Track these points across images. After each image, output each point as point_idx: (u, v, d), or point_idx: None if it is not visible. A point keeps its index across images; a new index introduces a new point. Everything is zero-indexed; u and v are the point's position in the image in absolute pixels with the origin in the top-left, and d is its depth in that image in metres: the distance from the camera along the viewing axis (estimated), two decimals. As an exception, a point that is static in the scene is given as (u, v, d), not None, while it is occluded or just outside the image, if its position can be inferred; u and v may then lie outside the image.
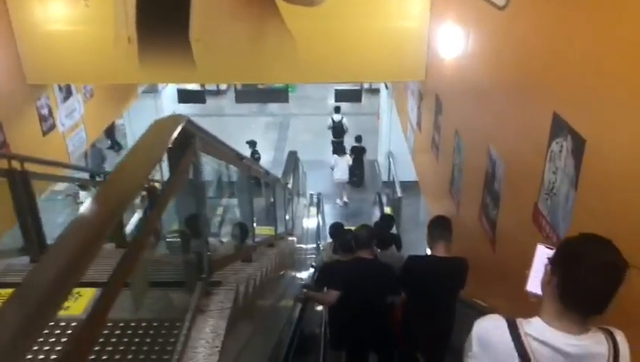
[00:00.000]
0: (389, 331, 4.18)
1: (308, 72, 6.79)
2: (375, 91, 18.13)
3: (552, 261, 1.67)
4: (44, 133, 7.32)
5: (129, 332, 2.21)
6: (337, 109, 14.20)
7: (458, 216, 5.09)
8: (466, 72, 4.93)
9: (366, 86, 18.70)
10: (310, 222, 10.32)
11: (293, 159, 9.79)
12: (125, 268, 1.44)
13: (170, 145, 1.81)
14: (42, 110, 7.27)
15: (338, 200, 12.91)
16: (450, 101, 5.51)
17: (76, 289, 2.22)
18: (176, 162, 1.87)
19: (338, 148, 13.27)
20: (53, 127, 7.52)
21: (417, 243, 9.24)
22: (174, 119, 1.95)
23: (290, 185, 7.95)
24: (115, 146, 15.46)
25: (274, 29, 6.55)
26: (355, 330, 4.26)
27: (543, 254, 1.80)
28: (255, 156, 12.17)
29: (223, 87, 19.42)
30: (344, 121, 14.03)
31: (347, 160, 12.69)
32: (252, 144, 12.52)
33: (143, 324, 2.26)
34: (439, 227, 3.77)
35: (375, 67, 6.76)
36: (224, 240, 6.13)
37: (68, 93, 8.00)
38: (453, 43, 5.29)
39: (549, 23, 3.01)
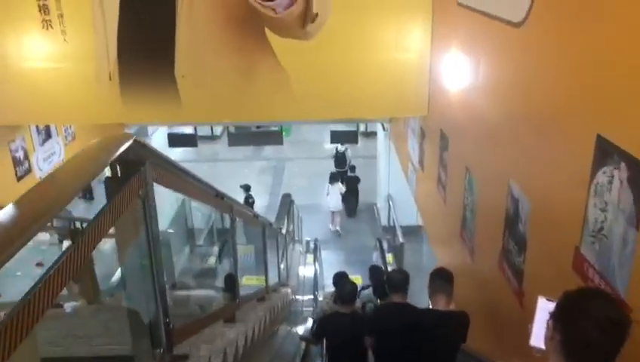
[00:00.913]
0: None
1: (303, 109, 6.35)
2: (371, 134, 17.87)
3: (554, 316, 1.65)
4: (19, 178, 6.79)
5: None
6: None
7: (472, 263, 4.52)
8: (476, 102, 4.47)
9: (362, 128, 18.43)
10: (307, 271, 9.68)
11: (287, 202, 9.23)
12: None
13: (106, 170, 1.28)
14: (16, 153, 6.76)
15: (330, 226, 13.07)
16: (458, 136, 5.03)
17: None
18: (113, 194, 1.34)
19: (333, 177, 13.26)
20: (28, 171, 6.99)
21: (420, 292, 8.60)
22: (117, 138, 1.43)
23: (284, 231, 7.38)
24: (87, 195, 14.57)
25: (266, 64, 6.14)
26: None
27: (544, 307, 1.79)
28: (249, 201, 11.65)
29: (217, 132, 19.08)
30: (348, 152, 14.44)
31: (339, 188, 12.81)
32: (246, 188, 12.02)
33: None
34: (440, 279, 3.69)
35: (374, 103, 6.33)
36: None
37: (47, 135, 7.52)
38: (459, 73, 4.86)
39: (581, 32, 2.54)
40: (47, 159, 7.51)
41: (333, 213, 13.01)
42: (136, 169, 1.43)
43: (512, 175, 3.52)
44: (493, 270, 3.87)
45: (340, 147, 14.48)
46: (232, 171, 16.53)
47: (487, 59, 4.16)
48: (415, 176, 7.47)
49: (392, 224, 12.45)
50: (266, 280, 4.87)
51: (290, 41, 6.02)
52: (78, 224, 7.93)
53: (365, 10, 5.96)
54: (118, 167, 1.40)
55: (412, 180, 7.78)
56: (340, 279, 6.20)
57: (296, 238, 10.56)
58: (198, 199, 2.51)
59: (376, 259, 9.93)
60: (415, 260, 11.18)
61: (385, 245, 10.75)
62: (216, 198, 2.67)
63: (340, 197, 12.75)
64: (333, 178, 13.22)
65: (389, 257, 10.23)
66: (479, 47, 4.34)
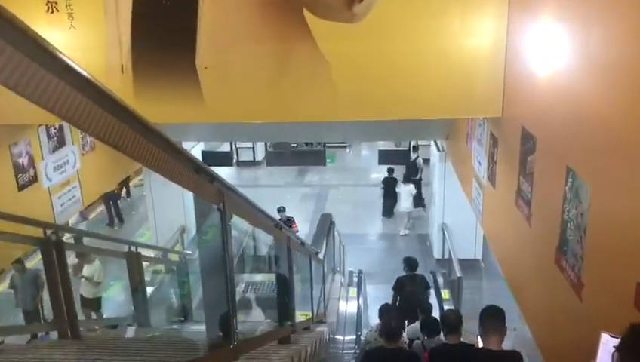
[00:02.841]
0: None
1: (347, 107, 5.25)
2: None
3: (619, 349, 1.62)
4: (21, 187, 5.94)
5: None
6: (414, 148, 14.62)
7: (580, 302, 3.23)
8: (585, 82, 3.27)
9: (412, 157, 17.37)
10: (349, 306, 8.40)
11: (326, 223, 8.02)
12: None
13: None
14: (19, 159, 5.92)
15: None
16: (553, 131, 3.79)
17: None
18: None
19: (406, 176, 13.41)
20: (33, 180, 6.14)
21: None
22: None
23: (321, 255, 6.20)
24: (116, 220, 13.62)
25: (304, 53, 5.12)
26: None
27: (608, 343, 1.75)
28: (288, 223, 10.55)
29: (259, 156, 18.26)
30: (419, 160, 14.19)
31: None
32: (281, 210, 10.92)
33: None
34: (492, 318, 3.58)
35: (434, 100, 5.18)
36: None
37: (60, 141, 6.70)
38: (554, 50, 3.68)
39: None
40: (59, 168, 6.67)
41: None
42: None
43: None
44: (626, 310, 2.58)
45: (412, 155, 14.45)
46: (272, 196, 15.63)
47: (603, 20, 2.98)
48: (482, 196, 6.21)
49: (446, 257, 11.11)
50: (292, 316, 3.69)
51: (334, 25, 5.01)
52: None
53: (424, -14, 4.89)
54: None
55: (477, 202, 6.51)
56: (386, 313, 5.57)
57: (338, 269, 9.29)
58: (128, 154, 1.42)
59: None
60: (473, 298, 9.80)
61: (440, 280, 9.40)
62: (193, 175, 1.57)
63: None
64: (406, 178, 13.17)
65: (445, 293, 8.87)
66: (591, 14, 3.16)
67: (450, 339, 4.08)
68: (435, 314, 7.75)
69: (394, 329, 4.15)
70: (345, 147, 19.94)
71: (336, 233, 9.08)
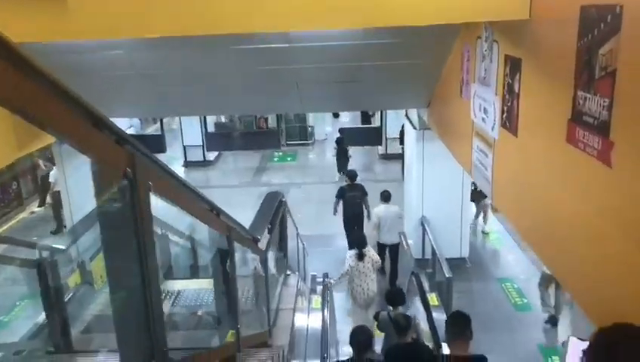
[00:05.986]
0: None
1: (302, 10, 3.38)
2: (393, 157, 15.35)
3: (586, 354, 1.68)
4: None
5: None
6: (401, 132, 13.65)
7: None
8: None
9: (381, 151, 15.73)
10: (312, 321, 6.45)
11: (274, 201, 6.08)
12: None
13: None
14: None
15: None
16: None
17: None
18: None
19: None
20: None
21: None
22: None
23: (263, 244, 4.31)
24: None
25: None
26: None
27: (576, 347, 2.03)
28: None
29: (211, 157, 16.21)
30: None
31: None
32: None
33: None
34: (458, 324, 3.68)
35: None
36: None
37: None
38: None
39: None
40: None
41: None
42: None
43: None
44: None
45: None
46: (226, 198, 13.76)
47: None
48: (491, 156, 4.43)
49: (427, 256, 9.42)
50: (158, 349, 1.69)
51: None
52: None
53: None
54: None
55: (482, 168, 4.74)
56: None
57: (296, 271, 7.33)
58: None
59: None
60: (462, 303, 8.06)
61: (425, 284, 7.60)
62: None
63: None
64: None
65: (433, 298, 7.09)
66: None
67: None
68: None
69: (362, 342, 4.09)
70: (308, 144, 18.22)
71: (289, 218, 7.14)
